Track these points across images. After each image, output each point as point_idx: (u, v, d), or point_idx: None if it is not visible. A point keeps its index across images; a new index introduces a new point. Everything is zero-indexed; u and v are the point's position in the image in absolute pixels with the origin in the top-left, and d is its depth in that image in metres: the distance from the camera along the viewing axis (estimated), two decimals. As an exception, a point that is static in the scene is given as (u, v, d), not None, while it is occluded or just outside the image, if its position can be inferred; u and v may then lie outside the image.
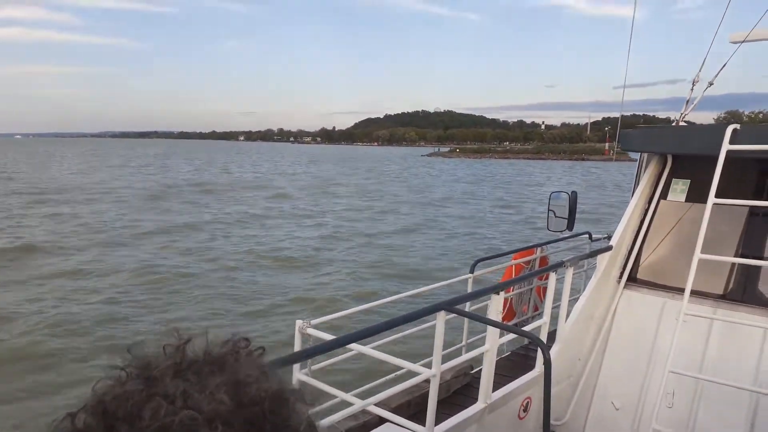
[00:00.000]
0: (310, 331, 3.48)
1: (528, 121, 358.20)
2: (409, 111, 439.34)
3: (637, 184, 5.03)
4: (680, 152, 4.70)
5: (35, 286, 13.43)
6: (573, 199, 5.86)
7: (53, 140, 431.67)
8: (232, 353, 0.66)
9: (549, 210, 6.04)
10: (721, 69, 4.96)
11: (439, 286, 4.94)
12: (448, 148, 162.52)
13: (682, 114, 5.05)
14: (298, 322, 3.55)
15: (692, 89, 5.02)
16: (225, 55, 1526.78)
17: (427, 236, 21.97)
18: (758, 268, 4.12)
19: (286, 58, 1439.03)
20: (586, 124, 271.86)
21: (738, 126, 3.98)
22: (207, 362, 0.63)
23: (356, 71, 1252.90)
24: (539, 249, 6.48)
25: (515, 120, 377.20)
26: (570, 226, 5.94)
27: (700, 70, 4.95)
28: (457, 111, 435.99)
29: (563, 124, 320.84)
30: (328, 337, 3.28)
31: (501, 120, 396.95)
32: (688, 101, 5.06)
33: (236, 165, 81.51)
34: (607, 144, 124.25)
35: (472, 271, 5.49)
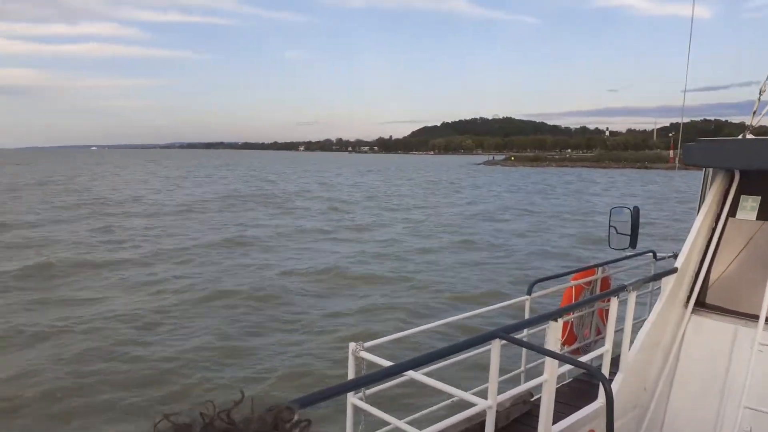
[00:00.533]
0: (363, 354, 3.44)
1: (591, 127, 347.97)
2: (467, 118, 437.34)
3: (702, 200, 4.79)
4: (749, 168, 4.40)
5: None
6: (635, 214, 5.55)
7: (128, 151, 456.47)
8: (265, 428, 0.65)
9: (610, 226, 5.75)
10: None
11: (495, 309, 4.78)
12: (504, 156, 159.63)
13: (749, 125, 4.73)
14: (351, 345, 3.51)
15: (760, 97, 4.71)
16: (284, 65, 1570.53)
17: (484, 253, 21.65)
18: None
19: (344, 67, 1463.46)
20: (653, 130, 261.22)
21: None
22: None
23: (413, 79, 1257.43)
24: (600, 269, 6.21)
25: (577, 126, 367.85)
26: (633, 244, 5.63)
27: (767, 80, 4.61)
28: (516, 118, 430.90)
29: (629, 131, 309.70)
30: (381, 360, 3.26)
31: (563, 126, 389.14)
32: (755, 112, 4.76)
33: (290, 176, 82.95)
34: (671, 151, 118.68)
35: (529, 293, 5.31)
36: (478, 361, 4.13)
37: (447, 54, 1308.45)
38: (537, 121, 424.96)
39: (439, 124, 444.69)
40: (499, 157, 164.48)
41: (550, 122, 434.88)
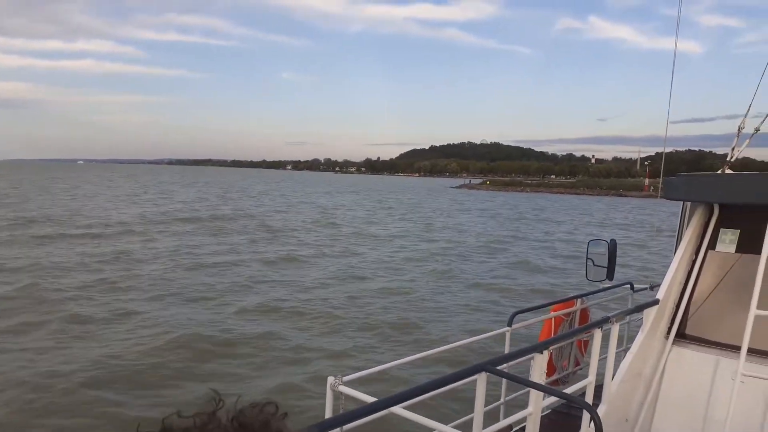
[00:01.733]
0: (342, 388, 3.40)
1: (578, 154, 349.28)
2: (455, 143, 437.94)
3: (680, 232, 4.96)
4: (730, 202, 4.49)
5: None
6: (612, 247, 5.73)
7: (115, 166, 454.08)
8: (255, 422, 0.69)
9: (587, 258, 5.90)
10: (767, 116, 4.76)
11: (475, 340, 4.85)
12: (480, 181, 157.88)
13: (728, 159, 4.82)
14: (330, 379, 3.46)
15: (739, 132, 4.82)
16: (279, 86, 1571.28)
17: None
18: None
19: (338, 90, 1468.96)
20: (637, 158, 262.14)
21: None
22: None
23: (405, 103, 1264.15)
24: (579, 300, 6.25)
25: (564, 153, 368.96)
26: (610, 276, 5.77)
27: (747, 111, 4.75)
28: (504, 143, 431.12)
29: (614, 159, 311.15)
30: (360, 395, 3.29)
31: (549, 153, 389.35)
32: (734, 147, 4.87)
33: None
34: (647, 180, 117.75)
35: (509, 324, 5.28)
36: (457, 393, 3.93)
37: (440, 81, 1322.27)
38: (524, 147, 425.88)
39: (427, 147, 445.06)
40: (476, 180, 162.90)
41: (538, 149, 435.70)
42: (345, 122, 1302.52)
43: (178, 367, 10.26)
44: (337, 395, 3.39)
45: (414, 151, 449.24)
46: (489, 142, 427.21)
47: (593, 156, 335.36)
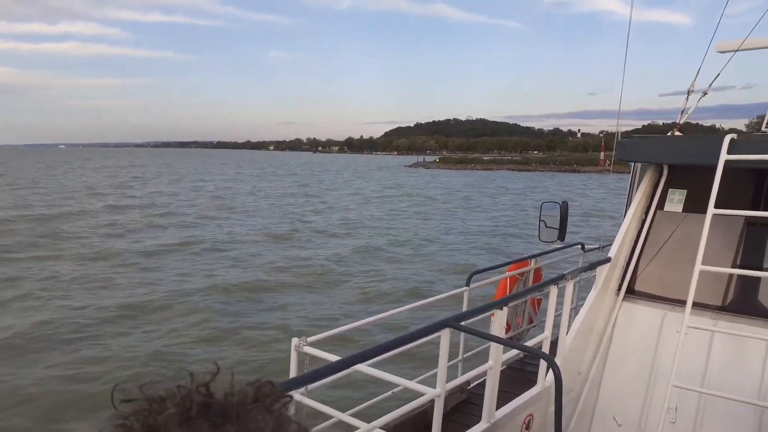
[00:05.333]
0: (307, 349, 3.43)
1: (565, 129, 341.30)
2: (440, 120, 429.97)
3: (631, 193, 5.08)
4: (678, 162, 4.67)
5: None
6: (564, 209, 5.82)
7: (98, 150, 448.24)
8: (246, 401, 0.61)
9: (540, 220, 6.01)
10: (714, 79, 4.98)
11: (435, 300, 4.90)
12: (434, 159, 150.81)
13: (677, 124, 5.04)
14: (294, 341, 3.48)
15: (687, 97, 5.03)
16: (266, 67, 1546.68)
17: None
18: (757, 279, 4.12)
19: (325, 69, 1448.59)
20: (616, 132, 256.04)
21: (735, 136, 3.98)
22: (217, 412, 0.59)
23: (393, 81, 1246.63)
24: (533, 260, 6.44)
25: (550, 128, 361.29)
26: (561, 237, 5.91)
27: (694, 81, 4.95)
28: (491, 119, 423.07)
29: (602, 132, 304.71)
30: (325, 355, 3.30)
31: (536, 128, 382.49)
32: (683, 111, 5.07)
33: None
34: (602, 153, 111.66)
35: (468, 284, 5.41)
36: (417, 351, 4.06)
37: (428, 57, 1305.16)
38: (510, 122, 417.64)
39: (412, 125, 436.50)
40: (429, 158, 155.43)
41: (528, 124, 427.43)
42: (334, 101, 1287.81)
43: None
44: (302, 356, 3.40)
45: (399, 128, 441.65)
46: (475, 119, 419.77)
47: (579, 130, 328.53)
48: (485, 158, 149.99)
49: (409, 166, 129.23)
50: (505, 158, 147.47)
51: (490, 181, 78.26)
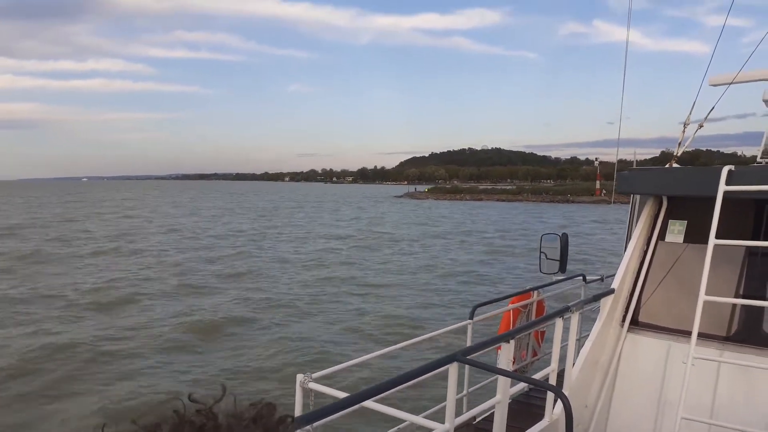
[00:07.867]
0: (312, 385, 3.43)
1: (583, 158, 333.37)
2: (455, 149, 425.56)
3: (631, 225, 5.16)
4: (677, 194, 4.71)
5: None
6: (564, 241, 5.87)
7: (120, 182, 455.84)
8: (243, 424, 0.61)
9: (541, 252, 6.04)
10: (710, 111, 5.06)
11: (439, 334, 4.88)
12: (425, 188, 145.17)
13: (674, 155, 5.08)
14: (299, 377, 3.48)
15: (684, 129, 5.10)
16: (286, 99, 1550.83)
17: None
18: (761, 308, 4.11)
19: (346, 102, 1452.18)
20: (633, 160, 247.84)
21: (733, 167, 4.00)
22: None
23: (410, 112, 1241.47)
24: (536, 292, 6.41)
25: (567, 157, 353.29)
26: (562, 268, 5.94)
27: (690, 113, 5.06)
28: (506, 149, 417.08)
29: (620, 161, 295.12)
30: (330, 391, 3.29)
31: (552, 157, 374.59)
32: (680, 143, 5.14)
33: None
34: (597, 182, 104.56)
35: (471, 317, 5.39)
36: (420, 386, 4.06)
37: (446, 88, 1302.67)
38: (527, 152, 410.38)
39: (427, 155, 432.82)
40: (421, 188, 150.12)
41: (547, 153, 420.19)
42: (353, 133, 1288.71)
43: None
44: (307, 392, 3.40)
45: (414, 159, 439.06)
46: (490, 148, 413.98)
47: (596, 159, 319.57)
48: (481, 187, 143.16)
49: (399, 197, 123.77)
50: (498, 188, 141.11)
51: (487, 214, 70.35)
